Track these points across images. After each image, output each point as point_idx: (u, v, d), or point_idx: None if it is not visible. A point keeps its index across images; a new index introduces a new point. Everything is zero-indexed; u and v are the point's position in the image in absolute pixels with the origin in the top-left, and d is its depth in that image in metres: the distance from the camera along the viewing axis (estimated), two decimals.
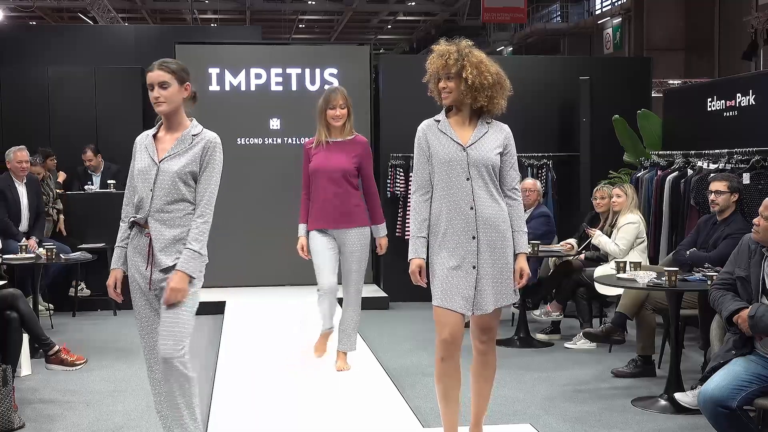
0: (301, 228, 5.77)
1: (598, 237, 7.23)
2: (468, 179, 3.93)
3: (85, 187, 9.50)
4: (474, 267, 3.93)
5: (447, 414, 4.08)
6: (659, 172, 8.01)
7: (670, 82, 18.05)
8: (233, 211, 9.53)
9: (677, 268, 5.40)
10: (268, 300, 9.00)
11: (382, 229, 5.82)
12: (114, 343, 7.26)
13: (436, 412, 5.11)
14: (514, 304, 6.25)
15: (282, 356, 6.46)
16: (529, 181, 8.03)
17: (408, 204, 8.85)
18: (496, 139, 3.99)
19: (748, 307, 4.08)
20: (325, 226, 5.67)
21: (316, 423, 4.85)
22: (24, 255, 7.21)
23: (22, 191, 8.24)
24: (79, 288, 8.75)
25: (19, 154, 8.19)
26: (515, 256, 4.03)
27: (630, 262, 5.92)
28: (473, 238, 3.93)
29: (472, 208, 3.93)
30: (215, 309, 8.47)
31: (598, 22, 27.28)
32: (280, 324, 7.74)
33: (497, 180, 4.00)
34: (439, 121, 4.04)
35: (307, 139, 5.84)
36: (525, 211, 7.87)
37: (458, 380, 4.03)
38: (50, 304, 8.50)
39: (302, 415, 5.00)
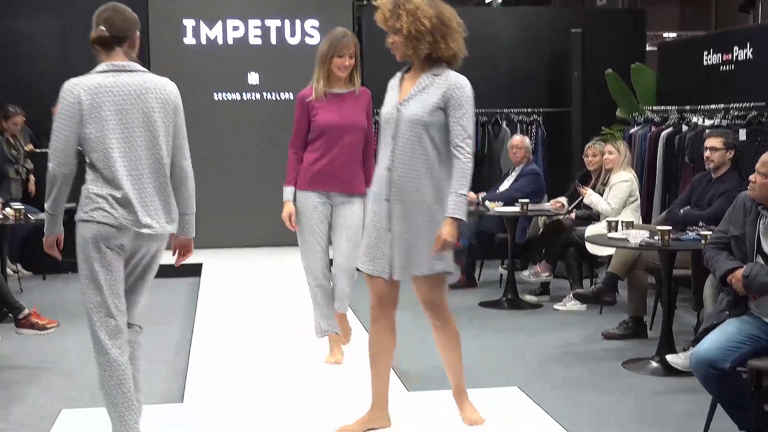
0: (288, 192, 5.06)
1: (589, 196, 7.24)
2: (393, 138, 3.87)
3: None
4: (389, 230, 3.89)
5: (374, 377, 4.09)
6: (653, 129, 8.01)
7: (665, 35, 17.99)
8: (210, 168, 9.46)
9: (670, 227, 5.41)
10: (247, 262, 9.00)
11: None
12: None
13: (422, 375, 5.16)
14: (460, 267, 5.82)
15: (261, 321, 6.46)
16: (518, 138, 8.02)
17: None
18: (434, 94, 3.83)
19: (742, 267, 4.10)
20: (337, 189, 5.00)
21: (296, 388, 4.87)
22: None
23: None
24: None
25: None
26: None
27: (622, 222, 5.93)
28: (387, 200, 3.89)
29: (389, 170, 3.87)
30: (191, 272, 8.42)
31: None
32: (260, 287, 7.74)
33: (440, 139, 3.84)
34: (397, 76, 4.03)
35: (300, 90, 5.14)
36: (514, 168, 7.98)
37: (388, 343, 4.05)
38: (18, 265, 8.46)
39: (282, 381, 5.01)
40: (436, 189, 3.84)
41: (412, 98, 3.87)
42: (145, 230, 3.59)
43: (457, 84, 3.84)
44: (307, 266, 5.12)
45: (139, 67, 3.65)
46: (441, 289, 4.00)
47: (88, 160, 3.58)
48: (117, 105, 3.54)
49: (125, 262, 3.67)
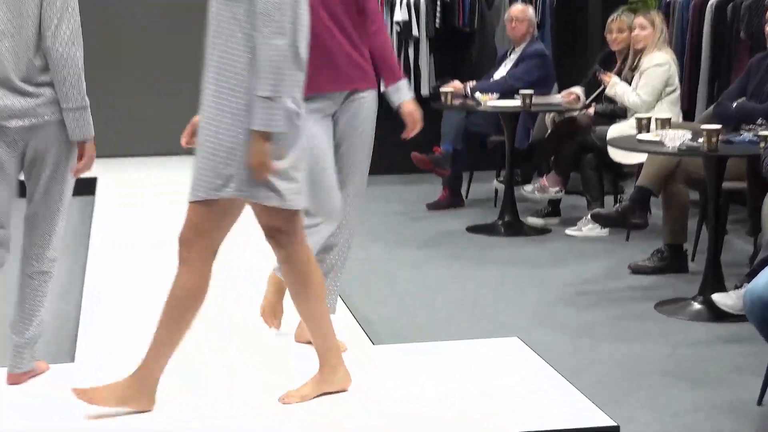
0: None
1: (613, 85, 7.23)
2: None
3: None
4: None
5: (310, 328, 4.11)
6: None
7: None
8: (106, 56, 9.36)
9: (719, 126, 5.42)
10: (157, 176, 8.96)
11: (404, 90, 4.73)
12: None
13: (392, 324, 5.19)
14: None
15: (174, 249, 6.43)
16: (518, 8, 7.98)
17: None
18: None
19: None
20: (333, 88, 4.63)
21: (219, 344, 4.89)
22: None
23: None
24: None
25: None
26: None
27: (656, 119, 5.94)
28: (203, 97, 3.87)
29: (205, 63, 3.81)
30: (83, 188, 8.34)
31: None
32: (174, 210, 7.68)
33: (251, 9, 3.63)
34: None
35: None
36: (514, 49, 7.94)
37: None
38: None
39: (201, 335, 4.98)
40: (240, 82, 3.70)
41: None
42: (12, 123, 3.80)
43: None
44: (318, 205, 4.94)
45: None
46: (199, 220, 4.03)
47: None
48: None
49: (27, 173, 3.96)
